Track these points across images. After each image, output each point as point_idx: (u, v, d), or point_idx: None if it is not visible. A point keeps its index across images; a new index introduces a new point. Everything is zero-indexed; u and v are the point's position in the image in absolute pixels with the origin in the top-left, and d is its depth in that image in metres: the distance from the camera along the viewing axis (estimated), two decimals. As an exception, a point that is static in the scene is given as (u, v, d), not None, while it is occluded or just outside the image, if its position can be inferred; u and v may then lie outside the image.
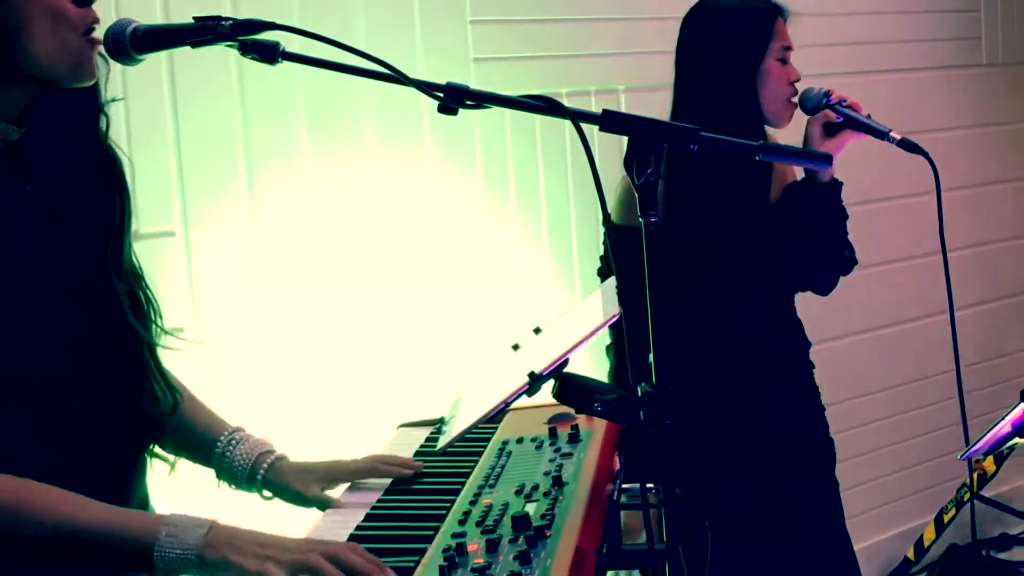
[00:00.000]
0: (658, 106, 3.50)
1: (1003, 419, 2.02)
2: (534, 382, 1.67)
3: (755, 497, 2.48)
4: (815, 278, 2.60)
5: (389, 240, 3.00)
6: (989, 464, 4.21)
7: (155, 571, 1.53)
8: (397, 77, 1.65)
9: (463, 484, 1.89)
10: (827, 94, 2.46)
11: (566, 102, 3.33)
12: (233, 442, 1.94)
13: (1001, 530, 4.61)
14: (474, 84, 3.11)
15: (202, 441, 1.95)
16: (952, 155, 4.41)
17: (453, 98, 1.71)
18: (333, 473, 1.98)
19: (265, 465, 1.93)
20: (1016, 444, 4.11)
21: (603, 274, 2.60)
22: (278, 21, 2.51)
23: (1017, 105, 4.72)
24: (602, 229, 2.54)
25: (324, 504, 1.93)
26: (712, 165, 2.41)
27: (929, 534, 4.19)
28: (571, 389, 1.72)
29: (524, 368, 1.71)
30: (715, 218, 2.42)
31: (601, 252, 2.61)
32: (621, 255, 2.34)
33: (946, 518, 4.20)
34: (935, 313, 4.44)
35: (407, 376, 2.92)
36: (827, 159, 1.83)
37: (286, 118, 2.84)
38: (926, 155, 2.38)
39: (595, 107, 3.43)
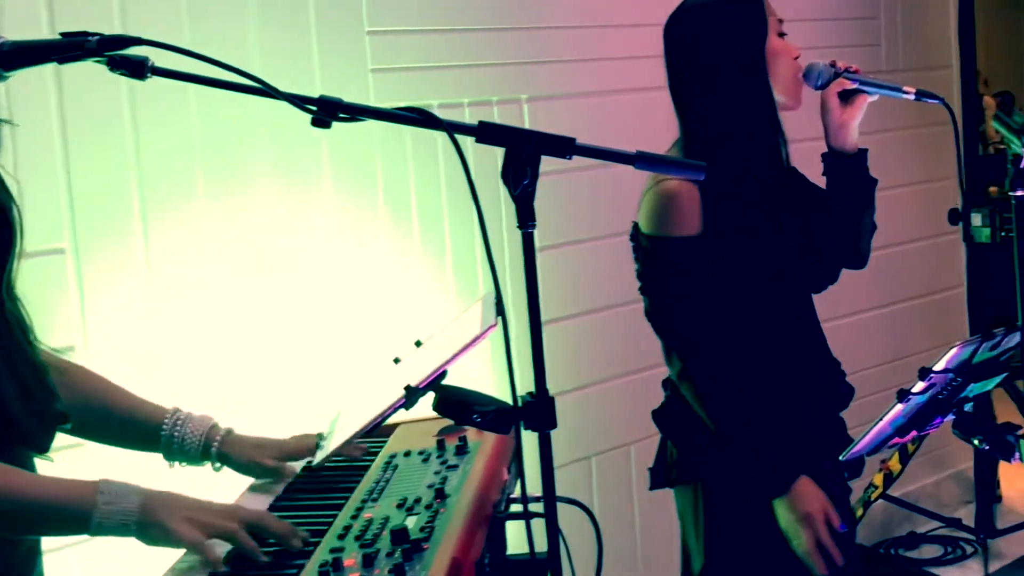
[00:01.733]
0: (558, 115, 3.56)
1: (881, 419, 2.05)
2: (410, 395, 1.67)
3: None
4: (862, 249, 2.54)
5: (284, 259, 2.96)
6: (895, 463, 4.27)
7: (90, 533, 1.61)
8: (267, 91, 1.63)
9: (348, 498, 1.89)
10: (833, 64, 2.44)
11: (467, 112, 3.39)
12: (179, 422, 1.99)
13: (910, 528, 4.67)
14: (372, 95, 3.15)
15: (142, 428, 1.99)
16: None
17: (326, 111, 1.70)
18: (283, 448, 2.06)
19: (218, 439, 2.00)
20: (918, 443, 4.20)
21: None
22: (169, 36, 2.50)
23: (916, 110, 4.78)
24: (631, 243, 2.46)
25: (279, 474, 2.02)
26: (736, 159, 2.35)
27: (838, 534, 4.23)
28: (449, 401, 1.72)
29: (403, 381, 1.71)
30: (748, 221, 2.35)
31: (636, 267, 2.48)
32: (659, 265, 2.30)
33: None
34: (842, 316, 4.50)
35: (300, 391, 2.89)
36: (701, 168, 1.83)
37: (179, 139, 2.80)
38: (943, 100, 2.47)
39: (497, 117, 3.45)
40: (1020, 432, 2.16)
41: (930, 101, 2.45)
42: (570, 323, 3.61)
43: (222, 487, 2.00)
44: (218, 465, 2.02)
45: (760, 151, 2.38)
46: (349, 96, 2.98)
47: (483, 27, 3.42)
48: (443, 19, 3.33)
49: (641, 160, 1.82)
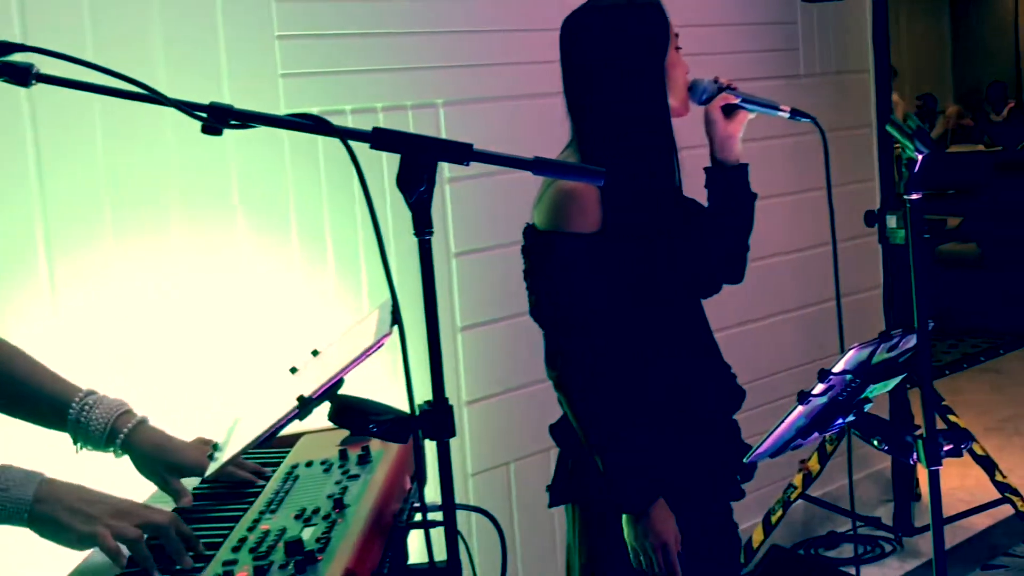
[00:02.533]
0: (476, 119, 3.55)
1: (782, 421, 2.06)
2: (303, 406, 1.65)
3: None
4: (738, 264, 2.57)
5: (190, 275, 2.92)
6: (814, 464, 4.31)
7: None
8: (154, 97, 1.61)
9: (247, 510, 1.86)
10: (716, 80, 2.48)
11: (382, 118, 3.37)
12: (88, 405, 1.94)
13: (830, 528, 4.71)
14: (283, 101, 3.12)
15: (52, 404, 1.94)
16: (772, 163, 4.52)
17: (217, 118, 1.67)
18: (183, 466, 1.98)
19: (127, 428, 1.95)
20: (836, 443, 4.24)
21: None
22: (70, 42, 2.46)
23: (833, 113, 4.84)
24: (523, 242, 2.45)
25: (177, 495, 1.95)
26: (631, 166, 2.35)
27: (758, 535, 4.27)
28: (345, 411, 1.71)
29: (298, 392, 1.69)
30: (643, 222, 2.35)
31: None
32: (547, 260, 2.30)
33: (773, 519, 4.29)
34: (761, 318, 4.54)
35: (204, 407, 2.82)
36: (600, 174, 1.83)
37: (85, 175, 2.75)
38: (815, 120, 2.51)
39: (412, 122, 3.43)
40: (918, 432, 2.18)
41: (803, 120, 2.51)
42: (488, 329, 3.60)
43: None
44: (120, 452, 1.96)
45: (655, 158, 2.39)
46: (259, 102, 3.01)
47: (397, 31, 3.39)
48: (355, 23, 3.29)
49: (539, 165, 1.82)
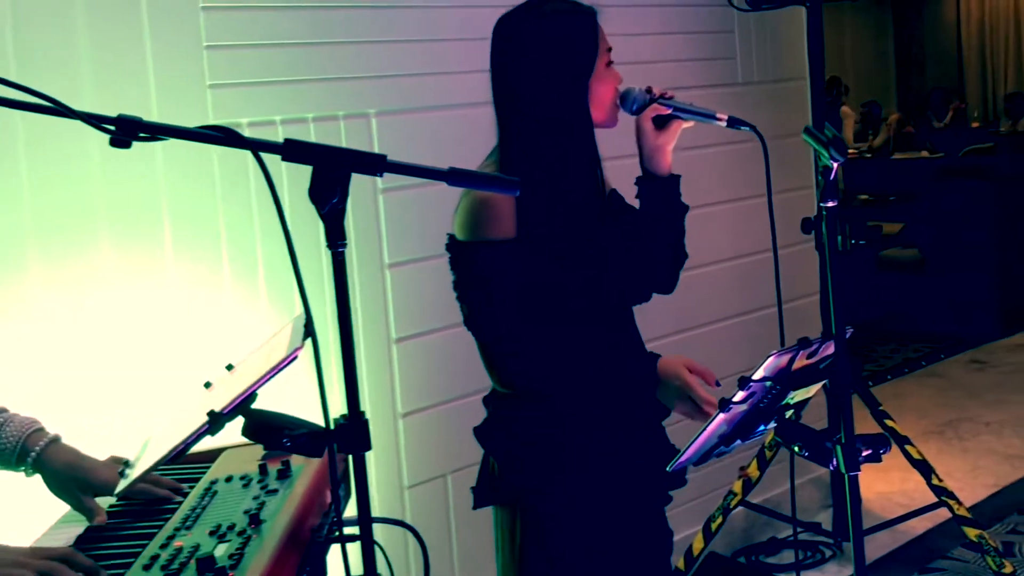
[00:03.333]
0: (409, 129, 3.54)
1: (704, 429, 2.06)
2: (214, 421, 1.63)
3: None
4: (671, 273, 2.56)
5: (110, 292, 2.89)
6: (754, 470, 4.32)
7: None
8: (59, 109, 1.58)
9: (163, 526, 1.84)
10: (649, 91, 2.45)
11: (312, 128, 3.34)
12: None
13: (770, 534, 4.73)
14: (211, 112, 3.09)
15: None
16: (710, 171, 4.54)
17: (125, 131, 1.65)
18: (95, 485, 1.95)
19: (38, 447, 1.93)
20: (776, 449, 4.26)
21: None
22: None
23: (770, 121, 4.87)
24: (447, 254, 2.43)
25: (90, 514, 1.92)
26: (550, 175, 2.34)
27: (698, 543, 4.27)
28: (258, 426, 1.69)
29: (210, 407, 1.67)
30: (561, 230, 2.33)
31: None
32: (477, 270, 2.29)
33: (713, 526, 4.29)
34: (701, 325, 4.56)
35: (122, 424, 2.79)
36: (515, 184, 1.83)
37: (7, 191, 2.71)
38: (754, 128, 2.45)
39: (344, 133, 3.41)
40: (837, 438, 2.19)
41: (742, 128, 2.46)
42: (423, 340, 3.58)
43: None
44: (31, 471, 1.94)
45: (575, 167, 2.38)
46: (187, 114, 2.98)
47: (328, 41, 3.37)
48: (285, 33, 3.27)
49: (454, 176, 1.82)
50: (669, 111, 2.44)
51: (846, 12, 15.97)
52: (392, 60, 3.53)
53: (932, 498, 4.31)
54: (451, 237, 2.38)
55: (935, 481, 4.19)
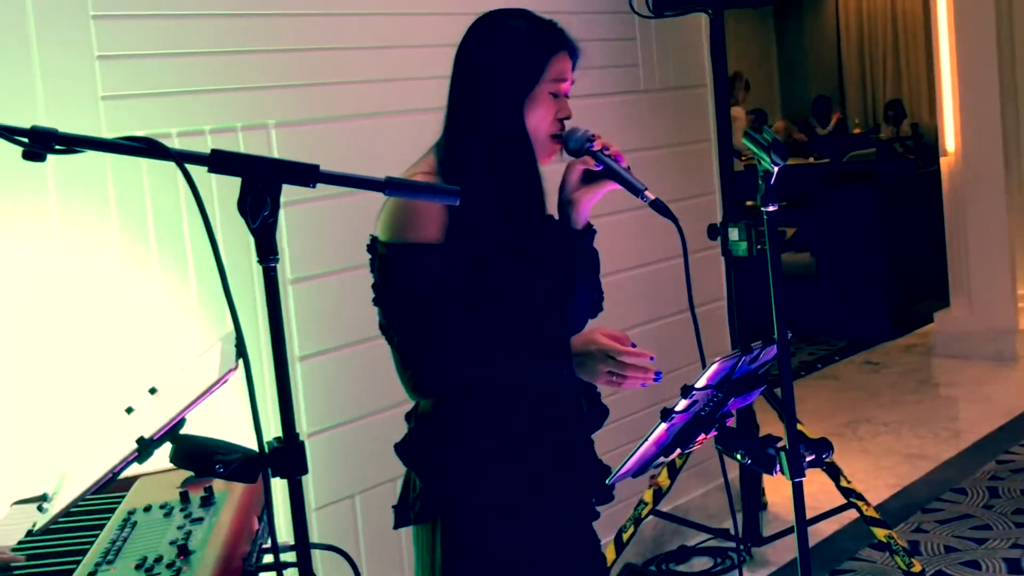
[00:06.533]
0: (310, 140, 3.44)
1: (646, 440, 2.02)
2: (144, 448, 1.53)
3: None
4: (586, 311, 2.49)
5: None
6: (664, 479, 4.30)
7: None
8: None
9: (79, 563, 1.73)
10: (591, 139, 2.32)
11: (209, 140, 3.22)
12: None
13: (680, 542, 4.72)
14: (104, 124, 2.95)
15: None
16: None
17: (39, 143, 1.55)
18: None
19: None
20: (685, 457, 4.25)
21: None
22: None
23: (672, 128, 4.88)
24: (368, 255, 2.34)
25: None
26: (483, 187, 2.26)
27: (610, 554, 4.23)
28: (188, 452, 1.60)
29: (136, 433, 1.57)
30: (491, 241, 2.26)
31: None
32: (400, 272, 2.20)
33: (625, 536, 4.26)
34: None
35: (25, 446, 2.64)
36: (455, 193, 1.76)
37: None
38: (675, 220, 2.28)
39: (243, 144, 3.30)
40: (780, 444, 2.16)
41: (663, 217, 2.28)
42: (327, 358, 3.47)
43: None
44: None
45: (510, 182, 2.30)
46: (79, 126, 2.84)
47: (224, 50, 3.25)
48: (180, 42, 3.14)
49: (391, 186, 1.75)
50: (599, 169, 2.33)
51: (729, 20, 16.16)
52: (291, 69, 3.42)
53: (838, 500, 4.34)
54: (374, 238, 2.29)
55: (844, 483, 4.21)
